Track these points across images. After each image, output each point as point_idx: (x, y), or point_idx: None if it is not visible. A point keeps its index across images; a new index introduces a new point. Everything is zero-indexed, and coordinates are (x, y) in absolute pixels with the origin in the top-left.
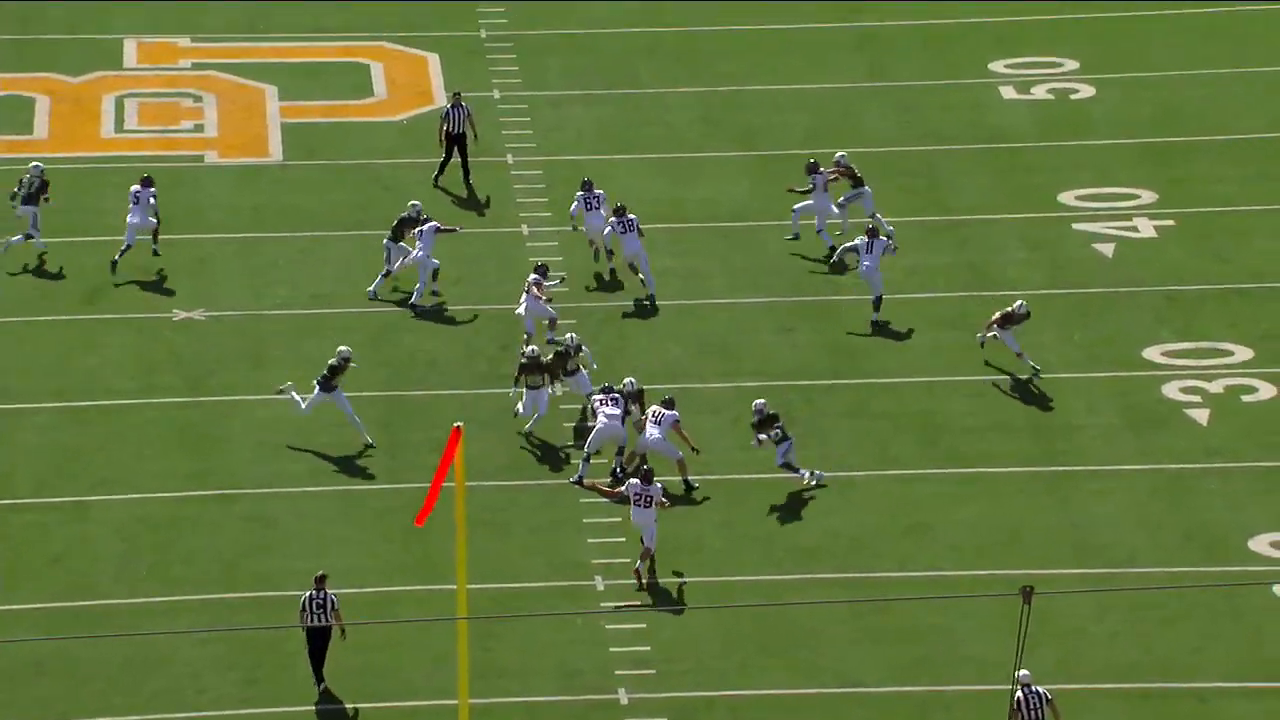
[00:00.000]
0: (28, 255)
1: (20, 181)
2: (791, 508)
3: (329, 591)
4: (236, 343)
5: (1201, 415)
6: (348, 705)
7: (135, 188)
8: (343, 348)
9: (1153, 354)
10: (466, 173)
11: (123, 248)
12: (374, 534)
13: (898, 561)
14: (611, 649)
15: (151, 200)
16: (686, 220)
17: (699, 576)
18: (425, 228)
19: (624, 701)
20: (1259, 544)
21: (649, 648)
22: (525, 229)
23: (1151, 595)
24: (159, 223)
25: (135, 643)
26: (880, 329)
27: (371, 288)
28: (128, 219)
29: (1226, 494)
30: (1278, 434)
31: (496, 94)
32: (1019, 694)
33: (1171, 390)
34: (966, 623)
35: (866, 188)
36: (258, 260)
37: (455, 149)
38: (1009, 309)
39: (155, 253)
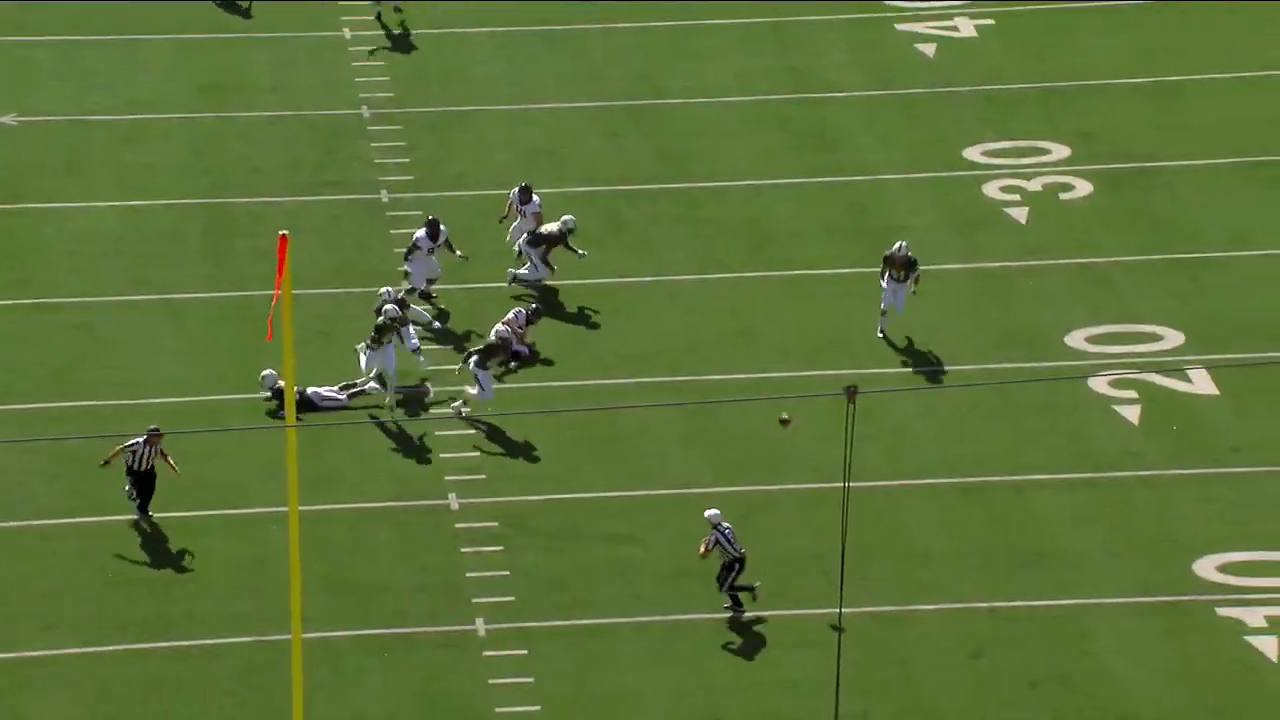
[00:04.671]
0: None
1: None
2: (618, 312)
3: (160, 447)
4: (53, 149)
5: (1021, 214)
6: (178, 514)
7: None
8: (389, 306)
9: (973, 154)
10: None
11: None
12: (199, 344)
13: (725, 365)
14: (442, 455)
15: None
16: (514, 23)
17: (528, 382)
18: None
19: (454, 507)
20: (1075, 340)
21: (479, 453)
22: (348, 32)
23: (972, 392)
24: None
25: None
26: (715, 140)
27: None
28: None
29: (1045, 291)
30: (1094, 231)
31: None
32: (713, 535)
33: (992, 190)
34: (795, 424)
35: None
36: (76, 64)
37: None
38: (888, 250)
39: None
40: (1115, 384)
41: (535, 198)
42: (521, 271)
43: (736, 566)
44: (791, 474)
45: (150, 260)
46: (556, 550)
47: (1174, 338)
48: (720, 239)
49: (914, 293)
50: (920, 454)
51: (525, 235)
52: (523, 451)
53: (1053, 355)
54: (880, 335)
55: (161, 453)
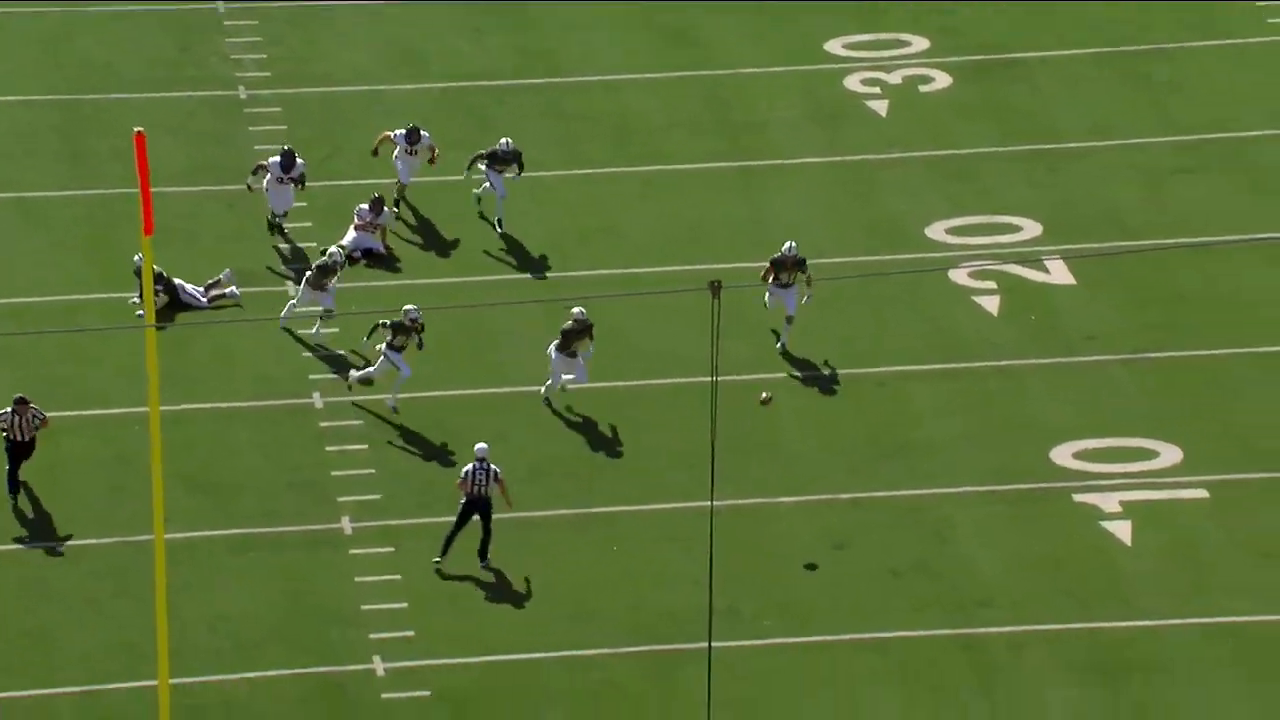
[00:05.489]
0: None
1: None
2: (479, 210)
3: (34, 409)
4: None
5: (881, 106)
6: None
7: None
8: (409, 306)
9: (834, 47)
10: None
11: None
12: (56, 243)
13: (590, 261)
14: (304, 355)
15: None
16: None
17: (388, 280)
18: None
19: (319, 405)
20: (935, 231)
21: (342, 352)
22: None
23: (836, 285)
24: None
25: None
26: (579, 36)
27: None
28: None
29: (904, 183)
30: (952, 123)
31: None
32: (469, 466)
33: (853, 83)
34: (658, 319)
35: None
36: None
37: None
38: (776, 254)
39: None
40: (975, 275)
41: (425, 134)
42: (482, 190)
43: (461, 507)
44: (657, 370)
45: (4, 159)
46: (423, 448)
47: (1032, 228)
48: (583, 135)
49: (807, 299)
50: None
51: (482, 156)
52: (377, 349)
53: (913, 247)
54: (781, 348)
55: (40, 419)
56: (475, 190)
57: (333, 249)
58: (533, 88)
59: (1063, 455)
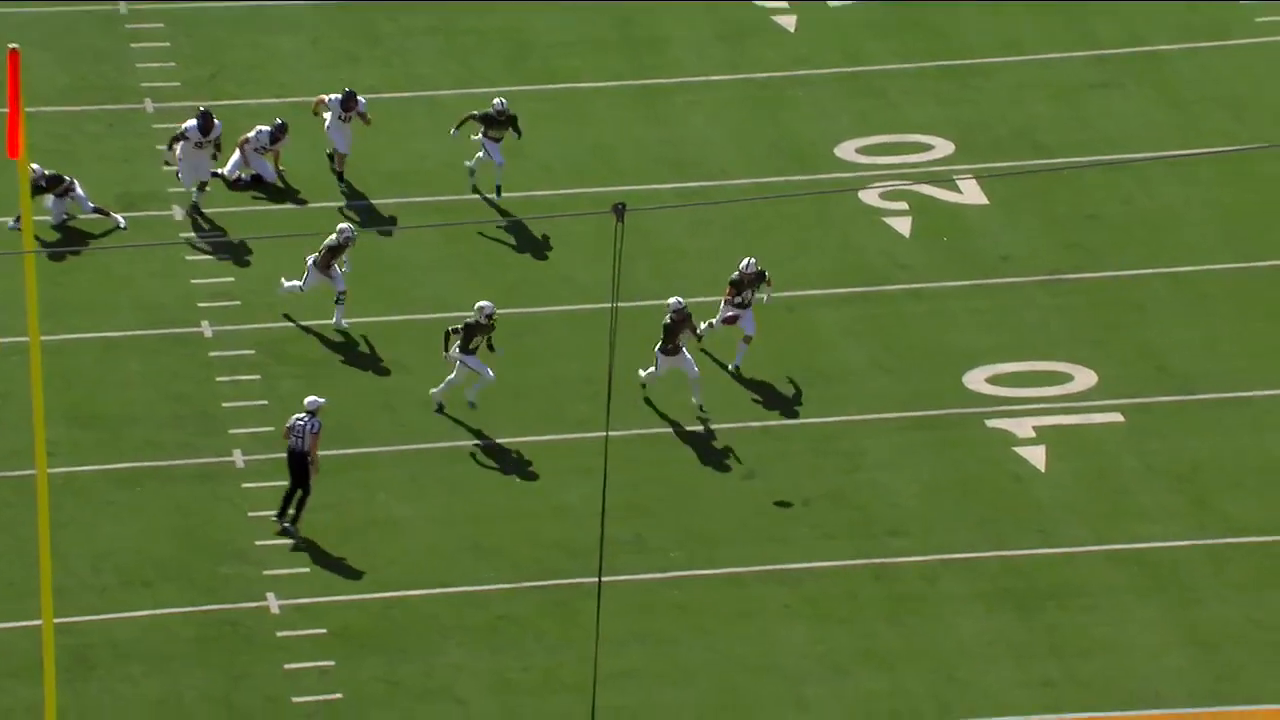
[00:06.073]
0: None
1: None
2: (374, 130)
3: None
4: None
5: (789, 22)
6: None
7: None
8: (484, 303)
9: None
10: None
11: None
12: None
13: (488, 183)
14: (193, 281)
15: None
16: None
17: (280, 205)
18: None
19: (209, 334)
20: (844, 150)
21: (233, 279)
22: None
23: (745, 207)
24: None
25: None
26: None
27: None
28: None
29: (813, 102)
30: (861, 39)
31: None
32: (295, 417)
33: None
34: (562, 244)
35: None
36: None
37: None
38: (735, 274)
39: None
40: (886, 195)
41: (361, 100)
42: (475, 162)
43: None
44: (559, 296)
45: None
46: (316, 378)
47: (944, 147)
48: (479, 51)
49: (767, 299)
50: (691, 272)
51: (474, 118)
52: (279, 278)
53: (822, 167)
54: (734, 369)
55: None
56: (468, 163)
57: (342, 225)
58: (425, 4)
59: (976, 380)
